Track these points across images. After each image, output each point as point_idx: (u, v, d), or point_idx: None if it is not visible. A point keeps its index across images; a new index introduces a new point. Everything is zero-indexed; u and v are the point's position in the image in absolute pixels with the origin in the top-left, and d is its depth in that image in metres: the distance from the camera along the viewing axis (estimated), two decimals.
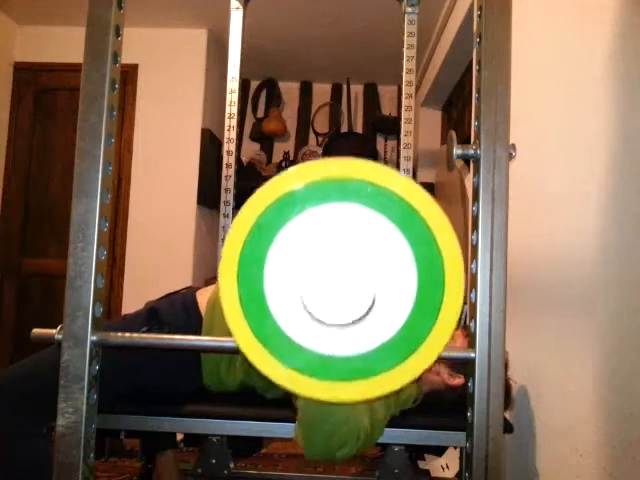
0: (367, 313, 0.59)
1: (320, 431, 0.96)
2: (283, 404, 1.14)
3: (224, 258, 0.60)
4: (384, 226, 0.59)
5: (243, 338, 0.60)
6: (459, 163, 2.44)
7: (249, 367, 1.14)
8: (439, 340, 0.60)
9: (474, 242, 0.67)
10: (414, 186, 0.60)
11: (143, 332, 1.10)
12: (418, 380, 1.17)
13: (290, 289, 0.60)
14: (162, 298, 1.28)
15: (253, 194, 0.60)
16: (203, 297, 1.23)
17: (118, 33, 0.70)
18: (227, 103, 1.75)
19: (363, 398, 0.61)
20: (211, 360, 1.16)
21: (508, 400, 1.22)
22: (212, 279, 2.99)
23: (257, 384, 1.18)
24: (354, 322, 0.60)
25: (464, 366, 0.73)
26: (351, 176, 0.59)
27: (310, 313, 0.59)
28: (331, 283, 0.58)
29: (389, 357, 0.60)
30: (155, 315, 1.16)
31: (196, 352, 1.15)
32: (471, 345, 0.67)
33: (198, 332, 1.17)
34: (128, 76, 3.08)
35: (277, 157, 3.82)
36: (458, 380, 1.14)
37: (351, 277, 0.58)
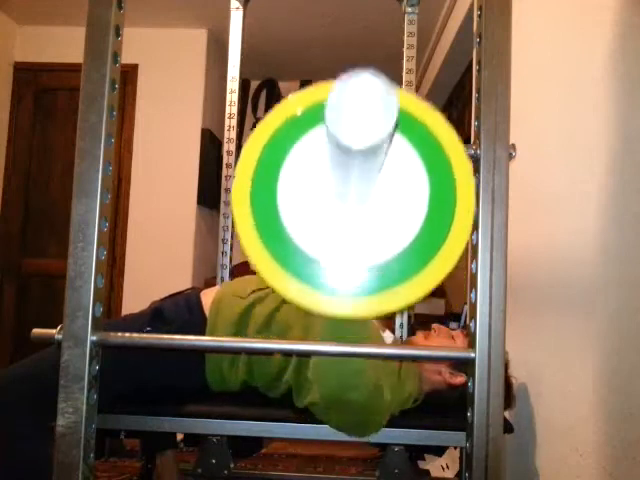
0: (381, 220, 0.59)
1: (334, 367, 0.98)
2: (283, 404, 1.14)
3: (239, 170, 0.61)
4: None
5: (255, 251, 0.60)
6: None
7: (251, 367, 1.15)
8: (452, 251, 0.60)
9: (474, 242, 0.67)
10: (411, 96, 0.63)
11: (146, 332, 1.10)
12: (420, 379, 1.18)
13: (304, 200, 0.60)
14: (166, 298, 1.28)
15: (266, 116, 0.62)
16: (207, 297, 1.23)
17: (118, 33, 0.69)
18: (227, 103, 1.75)
19: (380, 311, 0.60)
20: (214, 358, 1.16)
21: (509, 398, 1.21)
22: (212, 279, 2.99)
23: (259, 383, 1.18)
24: (368, 230, 0.59)
25: (464, 366, 0.73)
26: None
27: (323, 223, 0.59)
28: (345, 191, 0.58)
29: (404, 269, 0.60)
30: (160, 315, 1.17)
31: (197, 352, 1.15)
32: (471, 345, 0.67)
33: (202, 332, 1.17)
34: (128, 76, 3.08)
35: None
36: (460, 379, 1.13)
37: (360, 187, 0.58)
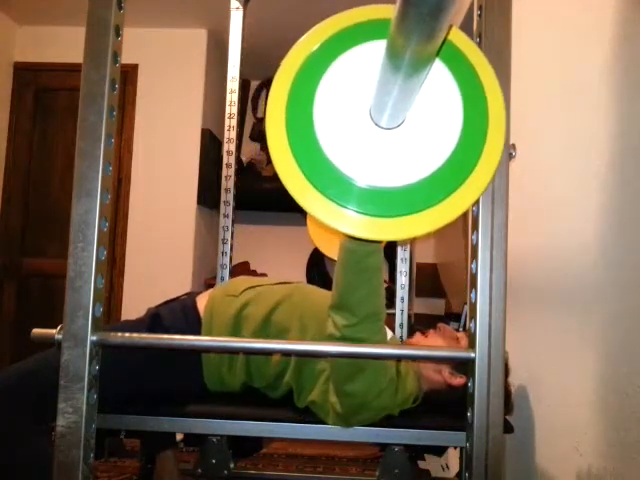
0: (413, 145, 0.59)
1: (360, 378, 0.99)
2: (283, 404, 1.14)
3: (276, 82, 0.61)
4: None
5: (284, 163, 0.59)
6: None
7: (249, 369, 1.15)
8: (478, 183, 0.59)
9: (474, 242, 0.67)
10: (455, 28, 0.63)
11: None
12: (419, 378, 1.17)
13: (338, 119, 0.59)
14: (162, 305, 1.28)
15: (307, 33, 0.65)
16: (202, 301, 1.23)
17: (118, 33, 0.69)
18: (227, 103, 1.75)
19: (408, 235, 0.60)
20: (212, 364, 1.16)
21: (509, 405, 1.21)
22: (212, 279, 2.99)
23: (259, 384, 1.18)
24: (399, 153, 0.59)
25: (464, 366, 0.73)
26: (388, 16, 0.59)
27: (356, 142, 0.58)
28: (381, 108, 0.58)
29: (435, 191, 0.59)
30: (159, 321, 1.17)
31: (196, 352, 1.15)
32: (471, 345, 0.67)
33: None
34: (128, 76, 3.08)
35: None
36: (459, 380, 1.13)
37: (399, 104, 0.57)
